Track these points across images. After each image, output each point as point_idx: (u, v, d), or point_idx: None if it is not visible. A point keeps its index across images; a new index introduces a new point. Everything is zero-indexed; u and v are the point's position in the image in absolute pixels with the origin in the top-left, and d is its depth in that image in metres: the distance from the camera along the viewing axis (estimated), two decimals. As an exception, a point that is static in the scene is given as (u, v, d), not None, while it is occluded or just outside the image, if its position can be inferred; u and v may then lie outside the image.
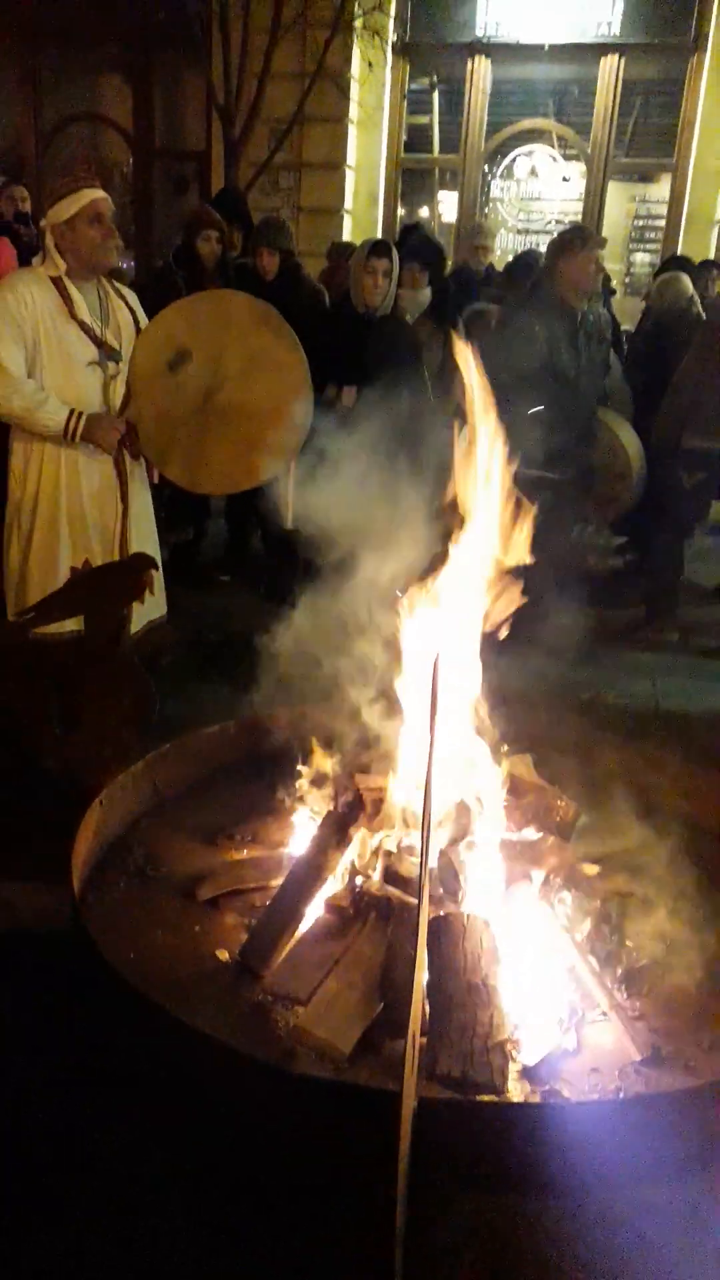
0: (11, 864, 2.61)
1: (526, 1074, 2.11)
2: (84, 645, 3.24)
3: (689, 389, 4.88)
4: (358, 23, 8.87)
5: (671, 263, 6.85)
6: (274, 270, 5.41)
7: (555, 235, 4.78)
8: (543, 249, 10.82)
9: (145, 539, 3.72)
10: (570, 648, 4.90)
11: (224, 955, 2.42)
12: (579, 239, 4.50)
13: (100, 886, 2.63)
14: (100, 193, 3.35)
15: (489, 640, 2.65)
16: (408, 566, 2.68)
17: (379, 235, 10.61)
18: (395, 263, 4.67)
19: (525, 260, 6.46)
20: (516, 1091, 2.06)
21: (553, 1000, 2.28)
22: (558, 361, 4.42)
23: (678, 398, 4.93)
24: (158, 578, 3.63)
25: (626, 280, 10.94)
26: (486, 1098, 1.99)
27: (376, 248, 4.63)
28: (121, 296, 3.62)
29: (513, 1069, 2.10)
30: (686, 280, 6.10)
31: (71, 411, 3.36)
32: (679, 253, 9.77)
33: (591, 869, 2.75)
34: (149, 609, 3.71)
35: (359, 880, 2.55)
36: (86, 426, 3.38)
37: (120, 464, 3.54)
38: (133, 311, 3.63)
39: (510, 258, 10.40)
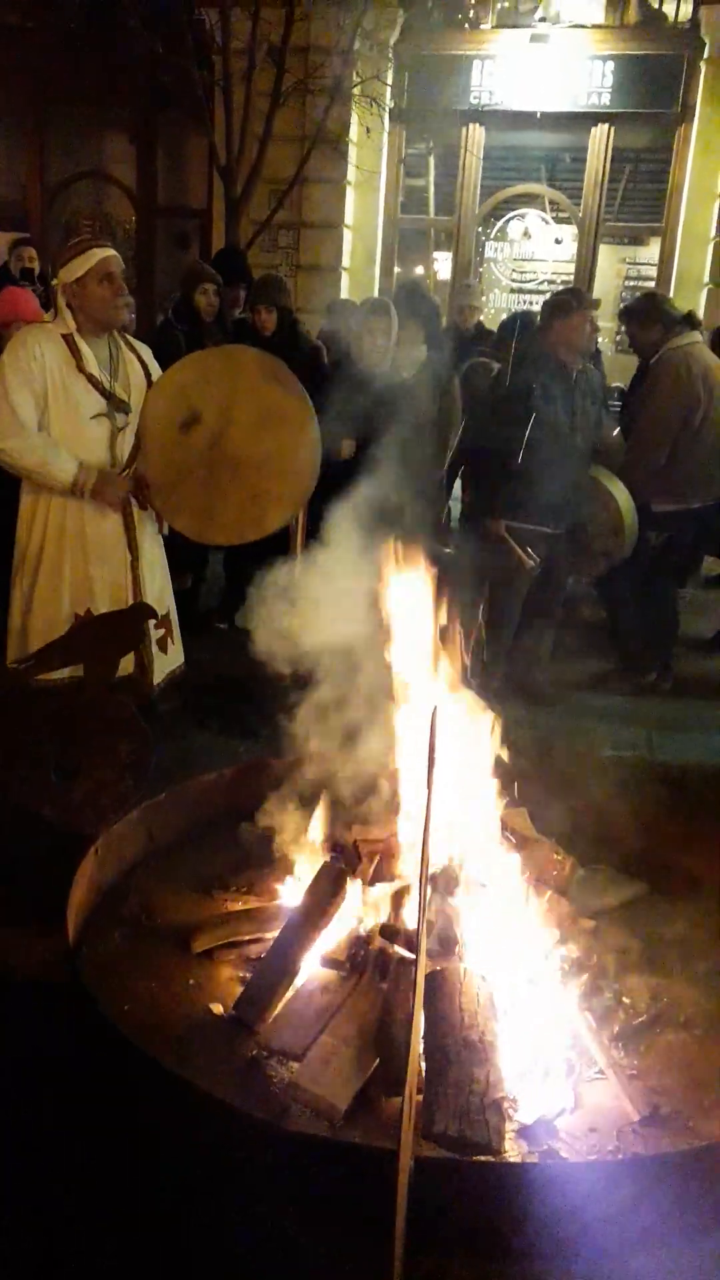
0: (7, 912, 2.59)
1: (523, 1133, 2.09)
2: (82, 692, 3.25)
3: (652, 449, 4.95)
4: (356, 90, 9.14)
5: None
6: (272, 326, 5.52)
7: (550, 296, 4.90)
8: (536, 308, 11.07)
9: (159, 591, 3.76)
10: (564, 699, 4.94)
11: (218, 1008, 2.40)
12: (574, 300, 4.63)
13: (95, 936, 2.61)
14: (109, 251, 3.44)
15: (485, 691, 2.68)
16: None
17: (376, 294, 10.86)
18: (394, 322, 4.77)
19: (516, 321, 6.61)
20: (513, 1151, 2.04)
21: (549, 1058, 2.26)
22: (552, 418, 4.50)
23: (643, 456, 4.98)
24: (174, 627, 3.68)
25: (617, 338, 11.16)
26: (484, 1158, 1.97)
27: (376, 308, 4.75)
28: (134, 350, 3.70)
29: (509, 1127, 2.08)
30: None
31: (80, 466, 3.41)
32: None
33: (588, 923, 2.74)
34: (170, 659, 3.75)
35: (355, 934, 2.54)
36: (96, 484, 3.44)
37: (128, 515, 3.59)
38: (144, 364, 3.71)
39: (505, 316, 10.65)
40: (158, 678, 3.74)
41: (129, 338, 3.76)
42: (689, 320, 5.07)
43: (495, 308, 10.84)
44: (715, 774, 4.15)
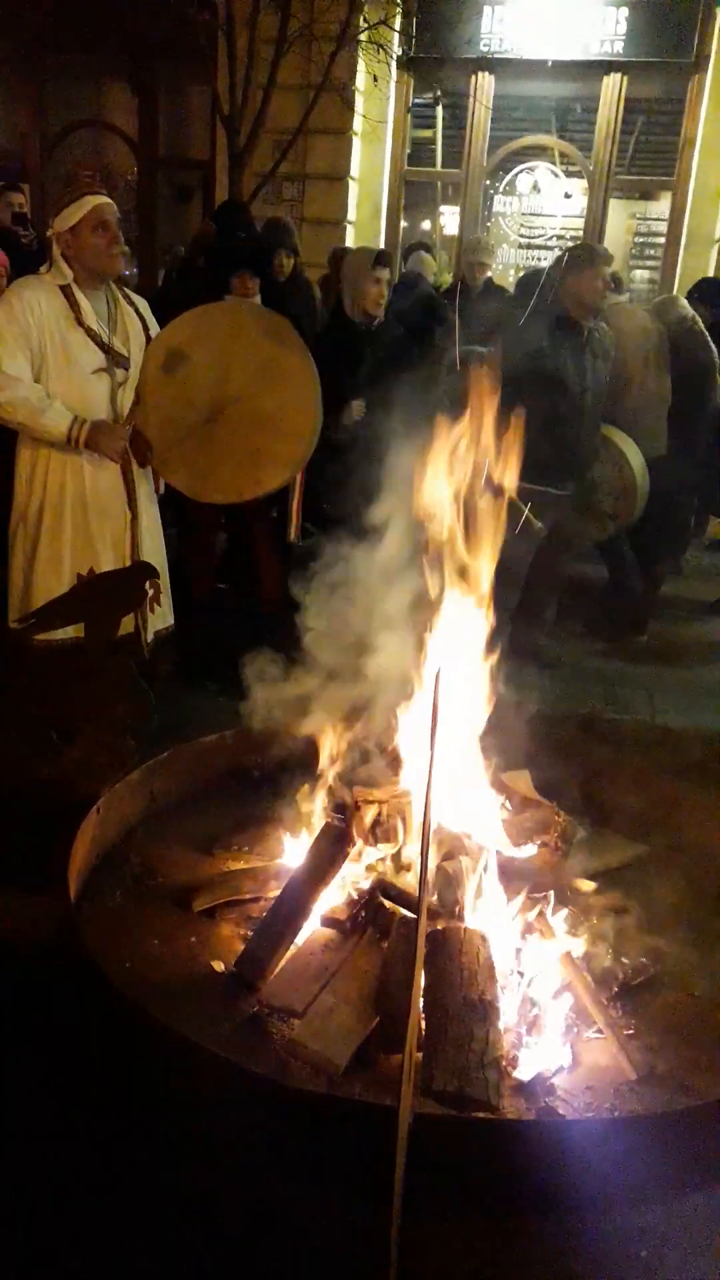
0: (7, 873, 2.59)
1: (521, 1090, 2.11)
2: (82, 653, 3.23)
3: None
4: (363, 36, 8.89)
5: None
6: (289, 271, 5.41)
7: (564, 251, 4.80)
8: (545, 264, 10.86)
9: (154, 549, 3.72)
10: (568, 662, 4.92)
11: (219, 966, 2.41)
12: (587, 255, 4.52)
13: (96, 896, 2.63)
14: (104, 199, 3.35)
15: (489, 655, 2.66)
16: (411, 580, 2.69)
17: (382, 246, 10.67)
18: (395, 273, 4.67)
19: (534, 278, 6.50)
20: (512, 1108, 2.06)
21: (548, 1017, 2.28)
22: (563, 376, 4.43)
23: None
24: (165, 585, 3.63)
25: (628, 297, 10.99)
26: (482, 1114, 1.99)
27: (380, 257, 4.64)
28: (132, 303, 3.63)
29: (507, 1085, 2.10)
30: (684, 301, 6.14)
31: (75, 418, 3.36)
32: (679, 271, 9.85)
33: (588, 885, 2.75)
34: (158, 619, 3.72)
35: (356, 893, 2.55)
36: (91, 433, 3.38)
37: (127, 472, 3.54)
38: (143, 319, 3.63)
39: (511, 272, 10.46)
40: (147, 636, 3.71)
41: (127, 290, 3.68)
42: (615, 281, 5.08)
43: (503, 264, 10.66)
44: (715, 737, 4.16)
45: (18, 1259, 1.77)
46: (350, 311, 4.57)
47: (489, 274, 7.43)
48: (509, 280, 9.21)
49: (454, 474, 2.60)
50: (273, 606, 4.74)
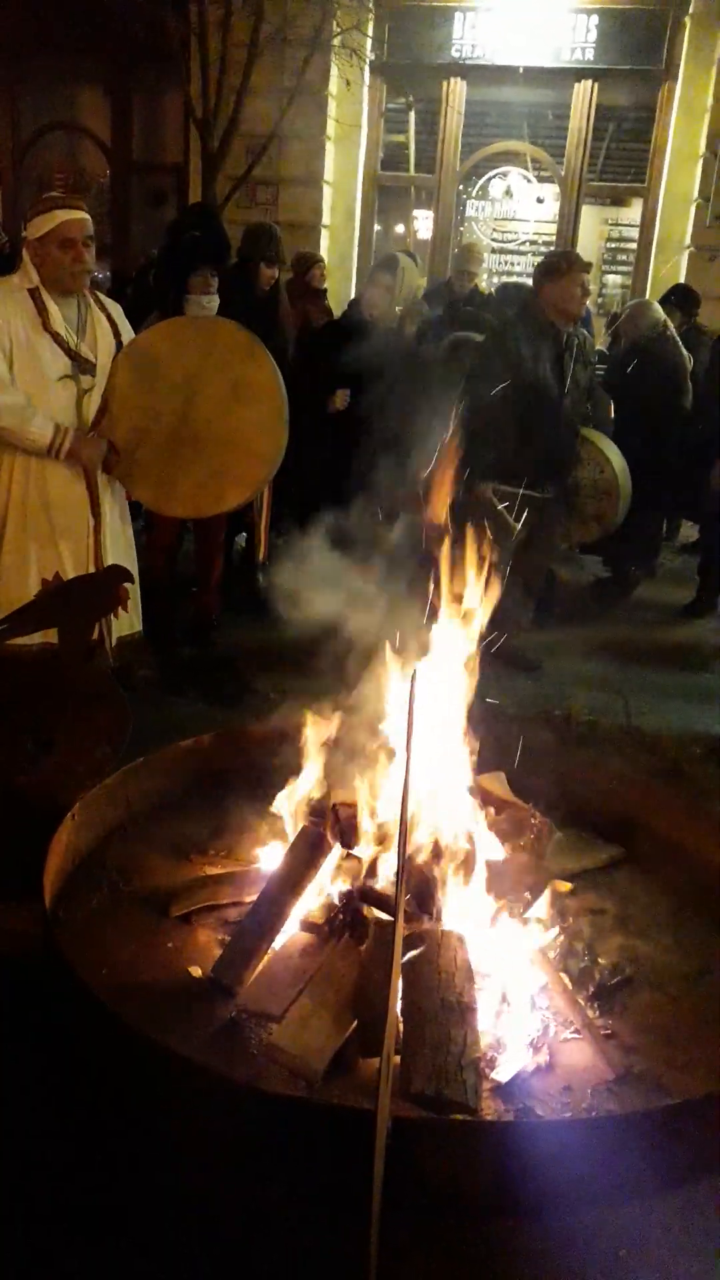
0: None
1: (499, 1092, 2.12)
2: (57, 659, 3.20)
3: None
4: (336, 41, 8.92)
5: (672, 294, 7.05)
6: (269, 283, 5.35)
7: (543, 258, 4.85)
8: (518, 269, 10.92)
9: (121, 553, 3.69)
10: (543, 663, 4.95)
11: (197, 971, 2.40)
12: (565, 262, 4.57)
13: (72, 903, 2.61)
14: (73, 214, 3.30)
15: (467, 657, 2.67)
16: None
17: (355, 251, 10.71)
18: (402, 276, 4.71)
19: (513, 288, 6.57)
20: (490, 1110, 2.06)
21: (525, 1018, 2.29)
22: (542, 382, 4.46)
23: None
24: (134, 592, 3.61)
25: (599, 302, 11.07)
26: (461, 1116, 1.99)
27: (382, 262, 4.78)
28: (105, 309, 3.60)
29: (486, 1087, 2.11)
30: (658, 306, 6.20)
31: (57, 427, 3.34)
32: (650, 276, 9.94)
33: (565, 886, 2.77)
34: (124, 623, 3.69)
35: (333, 897, 2.55)
36: (74, 445, 3.37)
37: (91, 479, 3.52)
38: (115, 324, 3.61)
39: (484, 277, 10.51)
40: (111, 641, 3.69)
41: (100, 295, 3.66)
42: None
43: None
44: (690, 740, 4.20)
45: (14, 1260, 1.76)
46: (364, 311, 4.69)
47: (477, 283, 7.45)
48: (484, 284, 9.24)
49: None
50: (205, 612, 4.76)
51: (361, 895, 2.50)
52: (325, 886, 2.57)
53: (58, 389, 3.41)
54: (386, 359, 4.39)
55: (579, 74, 9.98)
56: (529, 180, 10.96)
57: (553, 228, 10.78)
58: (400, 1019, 2.14)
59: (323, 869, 2.56)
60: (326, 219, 10.55)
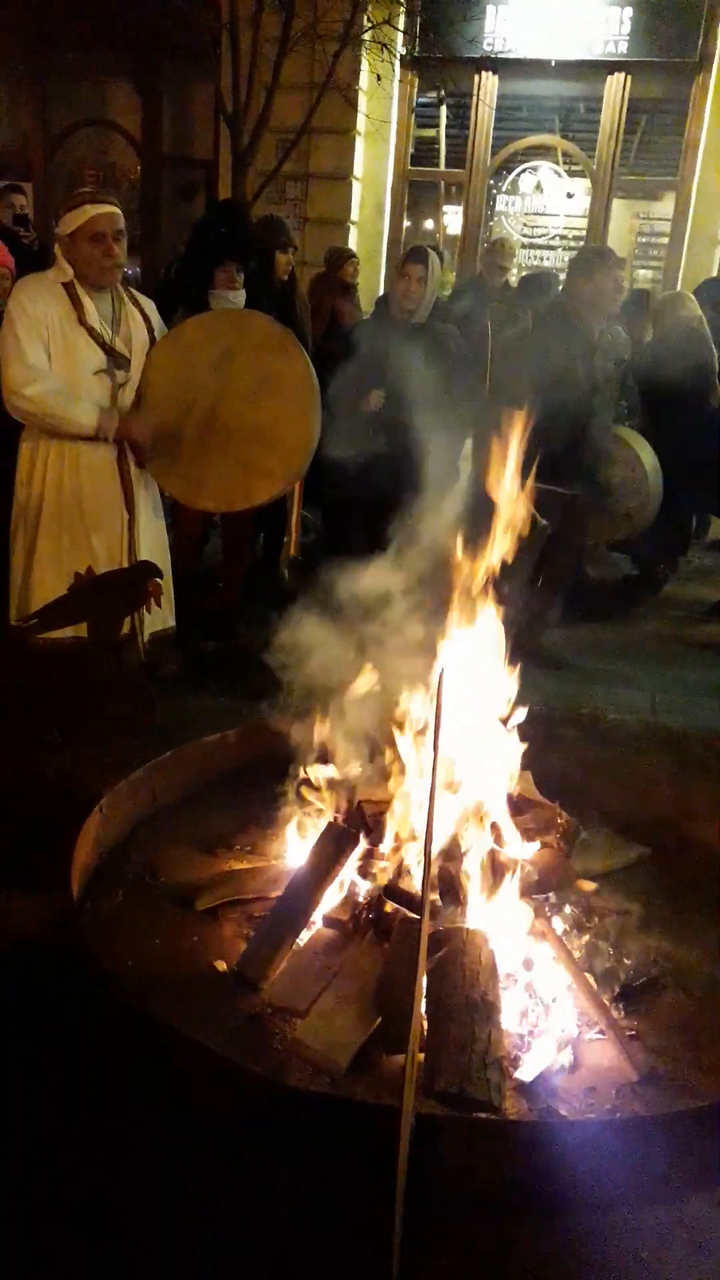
0: (9, 873, 2.59)
1: (523, 1091, 2.11)
2: (85, 653, 3.23)
3: None
4: (366, 36, 8.88)
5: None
6: (289, 269, 5.37)
7: (577, 254, 4.80)
8: (547, 264, 10.83)
9: (155, 548, 3.72)
10: (570, 662, 4.92)
11: (222, 966, 2.41)
12: (599, 258, 4.53)
13: (98, 895, 2.63)
14: (104, 208, 3.32)
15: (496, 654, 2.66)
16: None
17: (384, 247, 10.67)
18: (433, 269, 4.65)
19: (538, 278, 6.49)
20: (514, 1109, 2.06)
21: (550, 1017, 2.28)
22: (573, 378, 4.43)
23: None
24: (166, 588, 3.64)
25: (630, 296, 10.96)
26: (484, 1115, 1.99)
27: (413, 253, 4.69)
28: (138, 304, 3.62)
29: (509, 1086, 2.10)
30: (693, 299, 6.12)
31: (102, 409, 3.38)
32: (682, 271, 9.84)
33: (590, 885, 2.75)
34: (157, 620, 3.71)
35: (358, 894, 2.55)
36: (121, 421, 3.40)
37: (125, 473, 3.54)
38: (148, 319, 3.63)
39: (515, 272, 10.44)
40: (144, 637, 3.71)
41: (133, 291, 3.68)
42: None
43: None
44: (716, 738, 4.15)
45: (18, 1259, 1.77)
46: (393, 308, 4.64)
47: (508, 277, 7.38)
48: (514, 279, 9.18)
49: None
50: (227, 606, 4.76)
51: (387, 892, 2.50)
52: (350, 882, 2.57)
53: (93, 383, 3.44)
54: (427, 355, 4.34)
55: (612, 67, 9.88)
56: (560, 174, 10.87)
57: (583, 222, 10.69)
58: (424, 1016, 2.14)
59: (348, 865, 2.56)
60: (355, 215, 10.52)
